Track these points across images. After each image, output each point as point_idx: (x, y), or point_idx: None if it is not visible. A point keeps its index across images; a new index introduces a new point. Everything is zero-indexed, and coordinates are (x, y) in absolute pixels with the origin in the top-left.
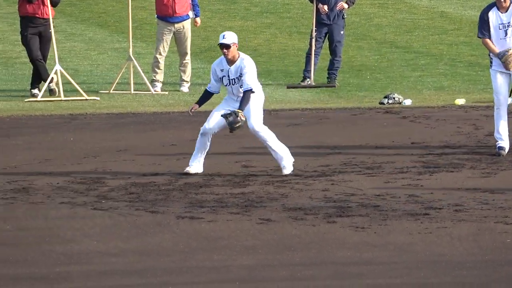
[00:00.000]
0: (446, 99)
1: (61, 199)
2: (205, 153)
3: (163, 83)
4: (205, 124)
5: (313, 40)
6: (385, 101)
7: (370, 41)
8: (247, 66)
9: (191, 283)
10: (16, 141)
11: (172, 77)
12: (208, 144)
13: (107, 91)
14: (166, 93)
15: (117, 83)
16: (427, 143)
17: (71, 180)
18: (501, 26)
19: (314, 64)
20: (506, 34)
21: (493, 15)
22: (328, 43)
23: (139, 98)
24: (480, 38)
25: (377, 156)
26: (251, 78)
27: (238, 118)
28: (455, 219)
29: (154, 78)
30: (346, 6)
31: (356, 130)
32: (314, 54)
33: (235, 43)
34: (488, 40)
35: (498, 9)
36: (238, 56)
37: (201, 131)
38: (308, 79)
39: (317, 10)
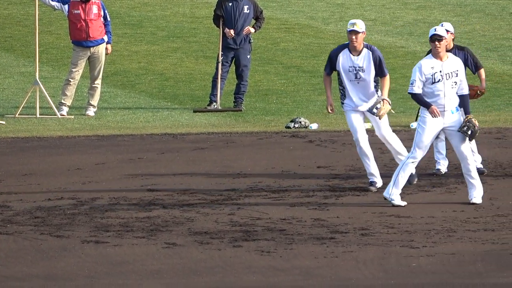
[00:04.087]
0: None
1: None
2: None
3: (69, 107)
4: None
5: (220, 64)
6: (292, 125)
7: (277, 65)
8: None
9: None
10: None
11: (78, 101)
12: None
13: (13, 115)
14: (72, 117)
15: (23, 107)
16: (333, 167)
17: None
18: (351, 69)
19: (221, 88)
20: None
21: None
22: (234, 67)
23: (44, 122)
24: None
25: (283, 180)
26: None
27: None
28: (361, 243)
29: (63, 102)
30: (252, 30)
31: (262, 154)
32: (221, 78)
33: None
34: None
35: (350, 51)
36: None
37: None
38: (214, 103)
39: (224, 34)
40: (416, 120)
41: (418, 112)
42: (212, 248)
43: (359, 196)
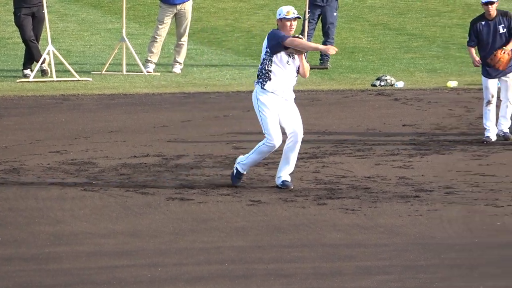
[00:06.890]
0: (438, 82)
1: (51, 180)
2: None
3: (155, 64)
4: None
5: (306, 21)
6: (377, 83)
7: (363, 23)
8: None
9: (180, 264)
10: (7, 122)
11: (165, 58)
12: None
13: (99, 72)
14: (158, 74)
15: (109, 64)
16: (418, 126)
17: (62, 161)
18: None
19: None
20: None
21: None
22: (321, 24)
23: (131, 79)
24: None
25: (368, 138)
26: None
27: None
28: (446, 202)
29: (149, 59)
30: None
31: (347, 112)
32: (307, 35)
33: None
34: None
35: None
36: None
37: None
38: None
39: None
40: None
41: None
42: (296, 206)
43: (444, 154)
